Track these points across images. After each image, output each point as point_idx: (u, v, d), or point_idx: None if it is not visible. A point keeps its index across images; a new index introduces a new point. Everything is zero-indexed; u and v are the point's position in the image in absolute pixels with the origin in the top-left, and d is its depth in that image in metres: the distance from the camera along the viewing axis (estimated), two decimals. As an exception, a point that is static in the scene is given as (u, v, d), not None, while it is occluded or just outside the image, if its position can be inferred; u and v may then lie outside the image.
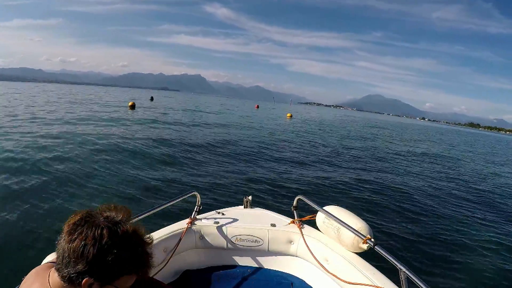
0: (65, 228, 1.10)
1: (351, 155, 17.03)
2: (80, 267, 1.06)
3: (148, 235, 1.22)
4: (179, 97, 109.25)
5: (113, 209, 1.18)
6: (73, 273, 1.07)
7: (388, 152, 20.49)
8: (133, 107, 33.42)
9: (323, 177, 11.08)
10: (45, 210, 5.91)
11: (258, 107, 76.38)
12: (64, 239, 1.09)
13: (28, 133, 13.30)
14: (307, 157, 14.45)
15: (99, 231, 1.07)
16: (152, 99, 60.82)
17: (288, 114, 48.74)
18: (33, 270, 1.30)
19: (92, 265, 1.06)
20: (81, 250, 1.05)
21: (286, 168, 11.80)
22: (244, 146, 15.49)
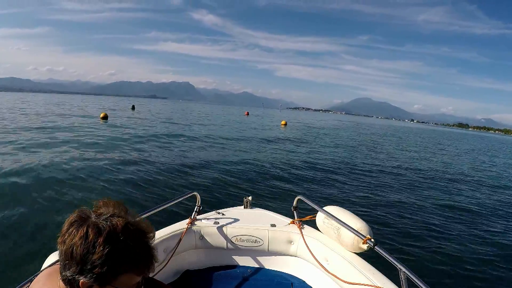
0: (62, 230, 1.09)
1: (351, 158, 17.03)
2: (73, 269, 1.03)
3: (146, 226, 1.16)
4: (166, 105, 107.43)
5: (102, 205, 1.14)
6: (69, 276, 1.05)
7: (388, 156, 20.48)
8: (105, 118, 29.19)
9: (323, 178, 11.15)
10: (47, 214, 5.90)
11: (248, 114, 73.00)
12: (59, 242, 1.07)
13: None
14: (307, 161, 14.36)
15: (84, 230, 1.03)
16: (133, 108, 56.54)
17: (283, 122, 45.25)
18: (45, 271, 1.28)
19: (82, 266, 1.02)
20: (70, 251, 1.03)
21: (286, 169, 11.82)
22: (241, 159, 14.09)
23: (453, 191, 11.94)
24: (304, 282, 2.73)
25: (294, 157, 14.98)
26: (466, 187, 13.13)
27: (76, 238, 1.02)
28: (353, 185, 10.60)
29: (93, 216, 1.08)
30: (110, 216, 1.08)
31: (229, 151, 14.53)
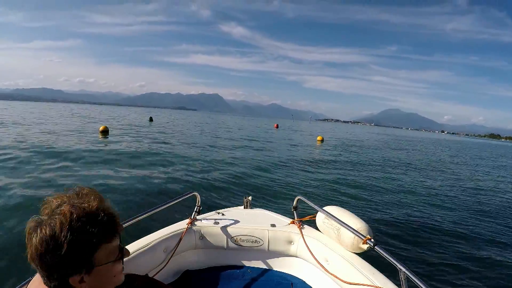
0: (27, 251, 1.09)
1: (354, 158, 16.76)
2: (56, 276, 1.06)
3: (89, 199, 1.13)
4: (193, 117, 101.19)
5: (46, 206, 1.11)
6: (58, 284, 1.07)
7: (394, 162, 20.07)
8: (104, 132, 23.78)
9: (324, 178, 11.04)
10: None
11: (277, 126, 66.90)
12: (29, 260, 1.07)
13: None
14: (310, 162, 14.20)
15: (40, 237, 1.02)
16: (151, 119, 53.06)
17: (319, 138, 36.87)
18: None
19: (62, 270, 1.05)
20: (44, 262, 1.04)
21: (287, 170, 11.70)
22: (244, 164, 12.74)
23: (454, 192, 11.78)
24: (304, 282, 2.71)
25: (299, 162, 14.51)
26: (467, 188, 13.01)
27: (40, 248, 1.01)
28: (354, 185, 10.58)
29: (42, 218, 1.07)
30: (54, 209, 1.07)
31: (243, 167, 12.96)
